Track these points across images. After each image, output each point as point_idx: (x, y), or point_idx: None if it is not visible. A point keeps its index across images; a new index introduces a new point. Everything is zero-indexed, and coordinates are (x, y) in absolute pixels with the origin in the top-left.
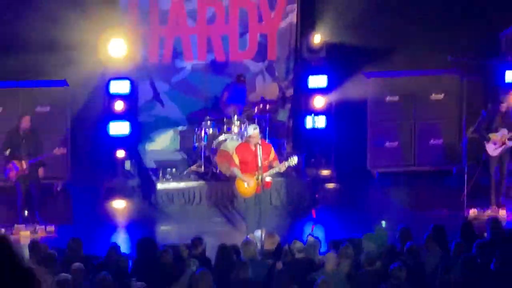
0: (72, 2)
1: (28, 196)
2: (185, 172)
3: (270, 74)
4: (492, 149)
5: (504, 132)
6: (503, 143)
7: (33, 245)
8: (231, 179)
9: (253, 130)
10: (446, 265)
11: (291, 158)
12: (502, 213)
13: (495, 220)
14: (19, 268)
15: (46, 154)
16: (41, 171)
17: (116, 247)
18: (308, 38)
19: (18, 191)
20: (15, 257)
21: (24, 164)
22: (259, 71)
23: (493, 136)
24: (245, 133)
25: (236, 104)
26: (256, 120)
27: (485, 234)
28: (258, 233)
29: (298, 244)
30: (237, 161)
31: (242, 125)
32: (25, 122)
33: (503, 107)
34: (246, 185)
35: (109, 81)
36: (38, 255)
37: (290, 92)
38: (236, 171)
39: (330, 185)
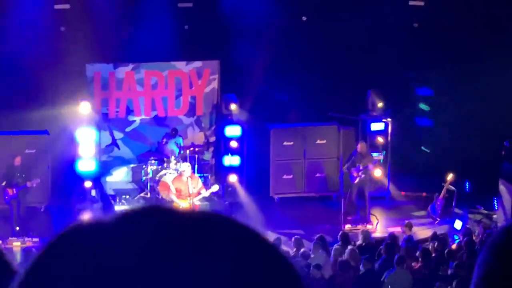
0: (49, 75)
1: (18, 215)
2: (135, 198)
3: (198, 126)
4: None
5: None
6: (358, 175)
7: (26, 251)
8: (170, 203)
9: (185, 167)
10: (325, 264)
11: (213, 186)
12: (369, 227)
13: (366, 232)
14: (10, 270)
15: (27, 184)
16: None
17: None
18: (227, 102)
19: (11, 212)
20: (6, 260)
21: (14, 191)
22: (190, 123)
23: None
24: (179, 169)
25: (172, 148)
26: (188, 159)
27: (357, 242)
28: None
29: None
30: (173, 189)
31: (177, 163)
32: (17, 161)
33: (358, 150)
34: (181, 207)
35: (76, 130)
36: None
37: (212, 138)
38: (173, 196)
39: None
